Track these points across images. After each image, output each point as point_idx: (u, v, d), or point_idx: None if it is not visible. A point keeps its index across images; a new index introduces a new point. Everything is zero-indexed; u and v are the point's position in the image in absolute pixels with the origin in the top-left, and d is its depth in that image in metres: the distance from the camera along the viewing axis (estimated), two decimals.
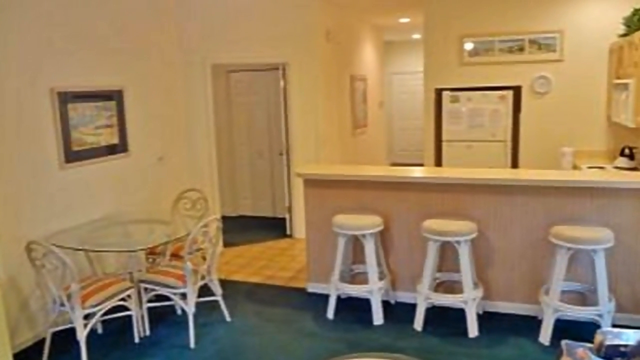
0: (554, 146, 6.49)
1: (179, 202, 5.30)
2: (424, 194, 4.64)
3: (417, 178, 4.63)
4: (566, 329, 4.12)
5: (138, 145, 5.46)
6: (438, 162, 6.99)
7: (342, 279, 4.72)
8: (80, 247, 4.14)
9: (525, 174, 4.50)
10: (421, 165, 7.01)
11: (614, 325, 3.84)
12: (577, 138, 6.43)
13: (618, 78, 5.56)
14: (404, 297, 4.84)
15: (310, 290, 5.20)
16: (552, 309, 3.97)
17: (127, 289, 4.10)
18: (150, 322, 4.46)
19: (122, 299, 4.08)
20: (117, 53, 5.18)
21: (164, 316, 4.71)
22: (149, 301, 4.39)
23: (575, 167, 5.96)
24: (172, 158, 6.04)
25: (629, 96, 4.93)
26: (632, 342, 2.53)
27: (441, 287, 4.67)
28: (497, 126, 6.57)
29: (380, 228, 4.51)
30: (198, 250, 4.70)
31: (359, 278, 4.87)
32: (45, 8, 4.39)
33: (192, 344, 4.16)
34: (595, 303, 3.98)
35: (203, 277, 4.37)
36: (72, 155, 4.64)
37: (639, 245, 4.15)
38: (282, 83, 6.77)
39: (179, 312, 4.77)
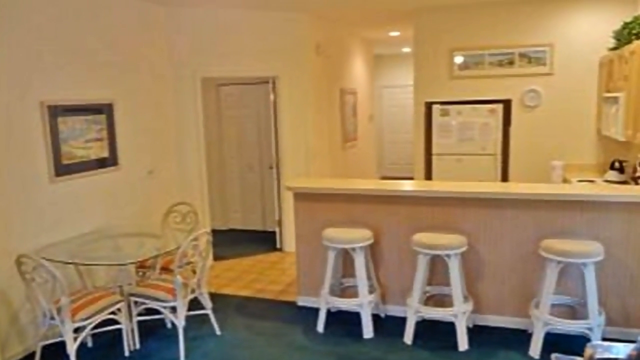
0: (544, 160, 6.51)
1: (169, 216, 5.29)
2: (414, 207, 4.65)
3: (407, 191, 4.65)
4: (556, 343, 4.13)
5: (128, 159, 5.44)
6: (428, 176, 7.00)
7: (332, 292, 4.71)
8: (70, 261, 4.11)
9: (516, 187, 4.51)
10: (411, 178, 7.01)
11: (604, 339, 3.86)
12: (567, 151, 6.47)
13: (608, 91, 5.60)
14: (394, 310, 4.84)
15: (300, 303, 5.18)
16: (542, 323, 3.98)
17: (117, 303, 4.08)
18: (140, 335, 4.43)
19: (112, 313, 4.06)
20: (107, 67, 5.17)
21: (154, 330, 4.68)
22: (139, 315, 4.36)
23: (565, 181, 5.99)
24: (162, 171, 6.03)
25: (619, 109, 4.97)
26: (622, 356, 2.54)
27: (431, 300, 4.67)
28: (487, 140, 6.61)
29: (370, 241, 4.51)
30: (188, 263, 4.68)
31: (349, 291, 4.86)
32: (35, 22, 4.39)
33: (182, 358, 4.14)
34: (585, 316, 3.99)
35: (193, 291, 4.36)
36: (62, 169, 4.62)
37: (628, 258, 4.17)
38: (272, 96, 6.79)
39: (169, 325, 4.74)
